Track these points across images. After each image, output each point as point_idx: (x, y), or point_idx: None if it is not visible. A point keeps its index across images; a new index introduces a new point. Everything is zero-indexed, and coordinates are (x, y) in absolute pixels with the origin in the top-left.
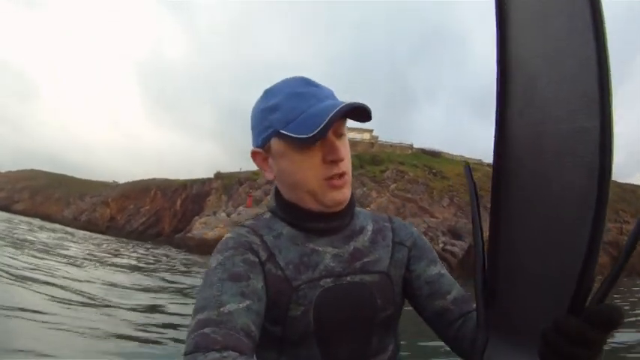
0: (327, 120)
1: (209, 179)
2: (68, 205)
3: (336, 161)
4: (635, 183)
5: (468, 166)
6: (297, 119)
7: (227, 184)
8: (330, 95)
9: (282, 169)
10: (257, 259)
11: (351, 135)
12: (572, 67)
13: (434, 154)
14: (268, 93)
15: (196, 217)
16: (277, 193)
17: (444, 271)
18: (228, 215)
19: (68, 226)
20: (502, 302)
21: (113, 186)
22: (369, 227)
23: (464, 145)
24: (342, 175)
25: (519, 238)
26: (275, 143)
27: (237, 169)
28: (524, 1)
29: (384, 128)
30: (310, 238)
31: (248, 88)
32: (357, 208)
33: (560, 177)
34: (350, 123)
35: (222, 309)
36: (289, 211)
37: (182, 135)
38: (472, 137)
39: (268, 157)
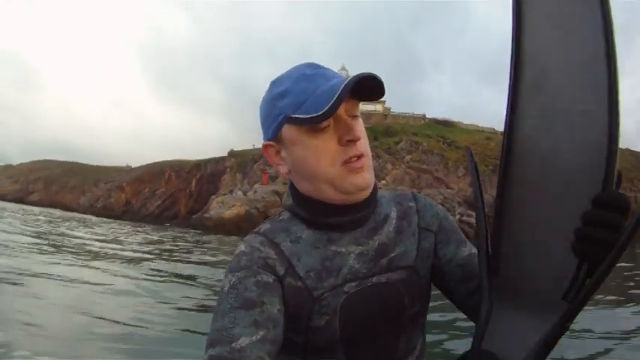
0: (338, 93)
1: (222, 158)
2: (83, 193)
3: (353, 141)
4: None
5: (470, 151)
6: (307, 101)
7: (241, 161)
8: (337, 75)
9: (296, 158)
10: (272, 278)
11: (364, 107)
12: (582, 57)
13: (447, 124)
14: (276, 82)
15: (213, 197)
16: (293, 188)
17: (475, 249)
18: (245, 193)
19: (85, 213)
20: (506, 268)
21: (127, 170)
22: (393, 214)
23: (475, 113)
24: (360, 156)
25: (526, 209)
26: (287, 130)
27: (249, 146)
28: (541, 5)
29: (393, 99)
30: (332, 239)
31: (250, 61)
32: (380, 192)
33: (569, 154)
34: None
35: (234, 344)
36: (308, 207)
37: (189, 113)
38: (482, 104)
39: (281, 148)
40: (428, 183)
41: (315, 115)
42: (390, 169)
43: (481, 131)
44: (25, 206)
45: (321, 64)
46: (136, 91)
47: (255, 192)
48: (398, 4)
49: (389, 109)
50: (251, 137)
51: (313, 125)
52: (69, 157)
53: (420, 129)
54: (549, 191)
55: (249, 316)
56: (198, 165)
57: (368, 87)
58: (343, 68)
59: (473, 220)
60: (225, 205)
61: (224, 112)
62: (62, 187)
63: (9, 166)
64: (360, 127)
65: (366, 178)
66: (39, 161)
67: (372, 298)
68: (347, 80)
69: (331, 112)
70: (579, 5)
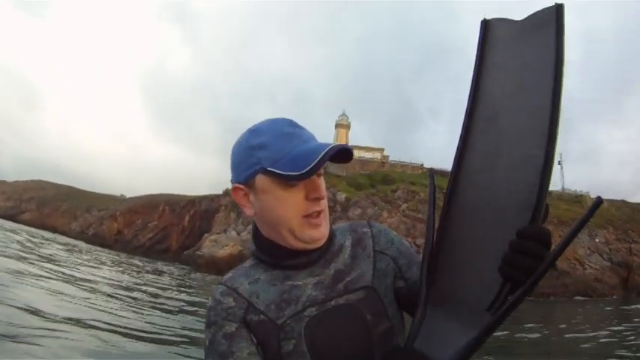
0: (318, 159)
1: (217, 196)
2: (75, 218)
3: (317, 199)
4: None
5: (432, 170)
6: (284, 158)
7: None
8: (312, 137)
9: (264, 205)
10: (235, 325)
11: (362, 154)
12: (530, 106)
13: (444, 174)
14: (254, 132)
15: (206, 235)
16: (256, 232)
17: None
18: (239, 233)
19: (75, 238)
20: (442, 280)
21: (121, 200)
22: (348, 242)
23: None
24: (320, 212)
25: (464, 232)
26: (260, 180)
27: None
28: (502, 48)
29: (390, 146)
30: (289, 275)
31: (249, 102)
32: (334, 225)
33: (506, 189)
34: (362, 141)
35: None
36: (268, 251)
37: (185, 148)
38: None
39: (250, 193)
40: (423, 232)
41: (294, 173)
42: (385, 217)
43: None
44: (13, 224)
45: (320, 108)
46: (134, 121)
47: (249, 232)
48: (399, 53)
49: (387, 157)
50: None
51: (286, 180)
52: (64, 180)
53: (417, 178)
54: (485, 219)
55: None
56: (193, 201)
57: (340, 153)
58: (344, 114)
59: None
60: (219, 244)
61: (219, 149)
62: (54, 210)
63: (3, 182)
64: (323, 186)
65: (322, 231)
66: (34, 181)
67: (333, 319)
68: (327, 149)
69: (309, 174)
70: (536, 59)
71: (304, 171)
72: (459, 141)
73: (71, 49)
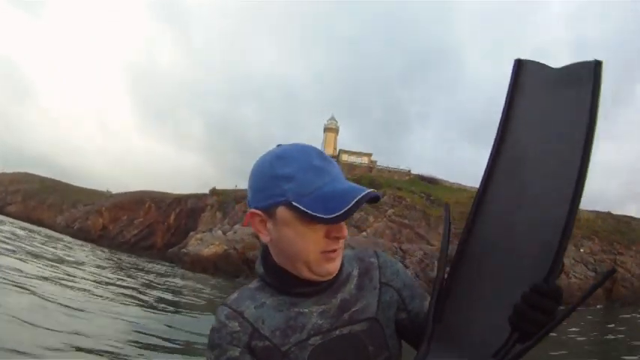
0: (350, 205)
1: (204, 195)
2: (61, 212)
3: (338, 238)
4: (629, 214)
5: (447, 205)
6: (312, 195)
7: (222, 200)
8: (340, 174)
9: (283, 237)
10: (239, 350)
11: (351, 159)
12: (558, 157)
13: (431, 181)
14: (282, 158)
15: (192, 233)
16: (266, 256)
17: None
18: (225, 233)
19: (61, 232)
20: (450, 317)
21: (107, 195)
22: (355, 272)
23: (456, 169)
24: (337, 249)
25: (478, 272)
26: (283, 211)
27: (226, 185)
28: (535, 95)
29: (378, 151)
30: (295, 302)
31: (237, 101)
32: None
33: (526, 238)
34: (349, 146)
35: None
36: (278, 277)
37: (170, 146)
38: (464, 162)
39: (268, 221)
40: (408, 238)
41: (323, 216)
42: (371, 222)
43: (464, 190)
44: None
45: (308, 109)
46: (122, 118)
47: (235, 232)
48: (389, 55)
49: (375, 162)
50: (230, 176)
51: (311, 219)
52: (50, 174)
53: (404, 184)
54: (501, 264)
55: None
56: (179, 199)
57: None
58: (332, 118)
59: None
60: (205, 243)
61: (205, 148)
62: (40, 203)
63: None
64: (345, 226)
65: (337, 265)
66: (20, 173)
67: (336, 349)
68: (361, 196)
69: (340, 219)
70: (569, 116)
71: (334, 215)
72: (482, 182)
73: (62, 44)
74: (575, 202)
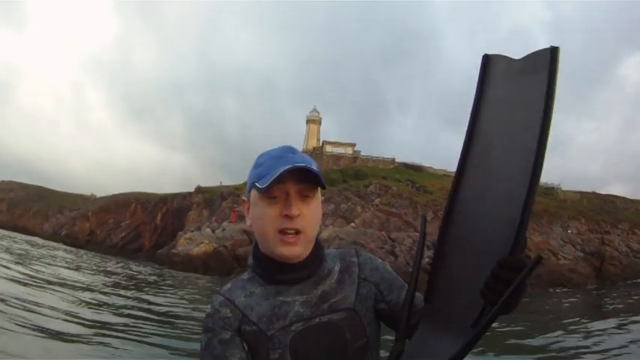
0: (276, 173)
1: (189, 193)
2: (47, 219)
3: (288, 216)
4: (614, 193)
5: (424, 217)
6: (267, 175)
7: (208, 198)
8: (298, 159)
9: (253, 216)
10: (230, 333)
11: (335, 149)
12: (518, 145)
13: (416, 169)
14: (260, 155)
15: (180, 233)
16: (256, 247)
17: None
18: (213, 231)
19: (48, 239)
20: (436, 299)
21: (92, 199)
22: (336, 268)
23: (438, 156)
24: (297, 232)
25: (456, 258)
26: (253, 193)
27: (210, 181)
28: (499, 86)
29: (359, 140)
30: (280, 291)
31: (216, 95)
32: (327, 250)
33: (492, 221)
34: (334, 136)
35: None
36: (262, 265)
37: (151, 145)
38: (444, 147)
39: (250, 206)
40: (397, 226)
41: (260, 187)
42: (359, 212)
43: (449, 176)
44: None
45: (287, 99)
46: (99, 119)
47: (223, 230)
48: (367, 40)
49: (359, 152)
50: (212, 173)
51: (267, 194)
52: (32, 180)
53: (389, 173)
54: (474, 247)
55: None
56: (165, 199)
57: (311, 174)
58: (315, 110)
59: None
60: (194, 242)
61: (187, 146)
62: (26, 211)
63: None
64: (306, 208)
65: (295, 250)
66: (3, 182)
67: (315, 334)
68: (285, 168)
69: (267, 188)
70: (528, 100)
71: (265, 185)
72: (455, 174)
73: (39, 40)
74: (533, 180)
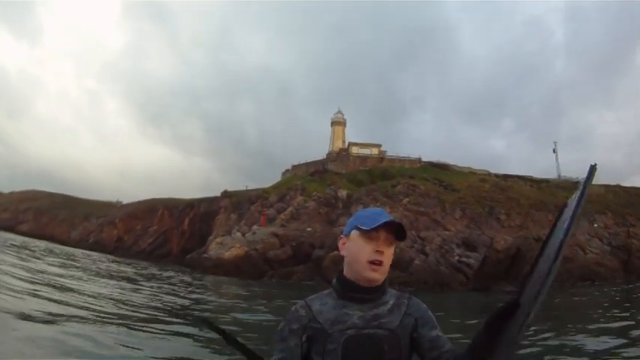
0: (379, 222)
1: (216, 198)
2: (74, 227)
3: (379, 252)
4: (637, 185)
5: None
6: (370, 222)
7: (236, 202)
8: (388, 216)
9: (350, 250)
10: (297, 326)
11: (361, 151)
12: (545, 263)
13: (441, 167)
14: (362, 210)
15: (210, 237)
16: (341, 272)
17: (441, 333)
18: (244, 234)
19: (76, 247)
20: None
21: (118, 206)
22: (391, 302)
23: (459, 152)
24: (380, 263)
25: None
26: (353, 233)
27: (234, 186)
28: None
29: (382, 140)
30: (346, 305)
31: (233, 100)
32: (389, 288)
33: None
34: (358, 138)
35: (271, 358)
36: (341, 284)
37: (171, 151)
38: (465, 143)
39: (347, 242)
40: (426, 225)
41: (364, 228)
42: (388, 212)
43: (475, 173)
44: (21, 237)
45: (305, 102)
46: (120, 126)
47: (254, 233)
48: (380, 40)
49: (384, 152)
50: (233, 177)
51: (367, 234)
52: (56, 189)
53: (416, 172)
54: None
55: (281, 345)
56: (192, 204)
57: (398, 229)
58: (339, 112)
59: (472, 262)
60: (225, 246)
61: (207, 151)
62: (52, 219)
63: None
64: (388, 250)
65: (377, 277)
66: (28, 191)
67: (362, 340)
68: (384, 221)
69: (372, 229)
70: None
71: (370, 227)
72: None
73: (52, 50)
74: (545, 282)
